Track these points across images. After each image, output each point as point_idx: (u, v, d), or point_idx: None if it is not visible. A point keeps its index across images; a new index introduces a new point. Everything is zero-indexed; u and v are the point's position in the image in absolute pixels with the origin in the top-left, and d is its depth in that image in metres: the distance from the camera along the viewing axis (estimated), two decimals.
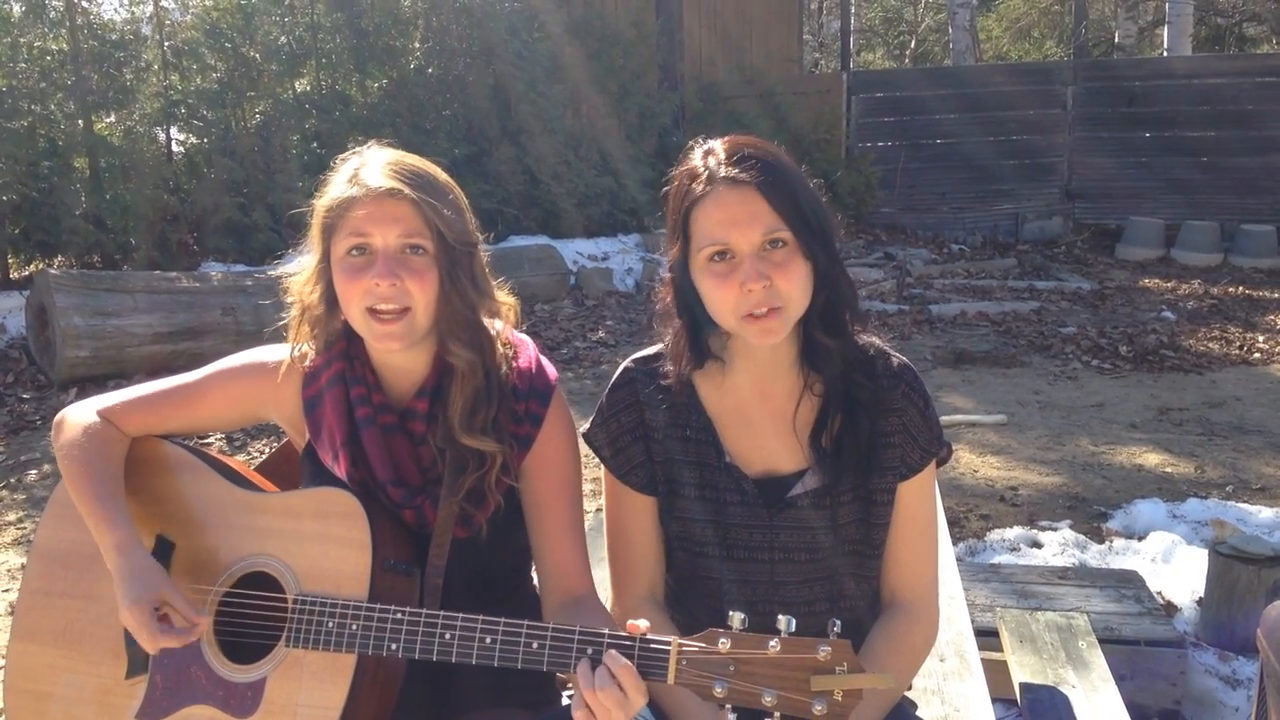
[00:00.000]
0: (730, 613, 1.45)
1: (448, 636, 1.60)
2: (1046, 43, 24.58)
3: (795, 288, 1.67)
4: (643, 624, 1.50)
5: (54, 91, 9.67)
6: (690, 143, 1.80)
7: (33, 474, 5.86)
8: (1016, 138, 14.68)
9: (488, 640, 1.58)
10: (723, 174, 1.69)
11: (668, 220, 1.78)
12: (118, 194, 9.40)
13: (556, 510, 1.88)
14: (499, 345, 1.86)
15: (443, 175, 1.83)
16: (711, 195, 1.69)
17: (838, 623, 1.41)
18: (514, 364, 1.88)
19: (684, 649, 1.46)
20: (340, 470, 1.84)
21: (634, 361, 1.91)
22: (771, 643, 1.41)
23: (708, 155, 1.73)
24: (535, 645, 1.55)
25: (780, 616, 1.43)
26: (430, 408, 1.84)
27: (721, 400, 1.85)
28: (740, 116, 12.68)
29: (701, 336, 1.79)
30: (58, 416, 1.95)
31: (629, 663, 1.48)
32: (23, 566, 4.44)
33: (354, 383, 1.85)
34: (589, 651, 1.51)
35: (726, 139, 1.75)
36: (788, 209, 1.67)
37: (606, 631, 1.52)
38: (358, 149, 1.84)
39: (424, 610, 1.63)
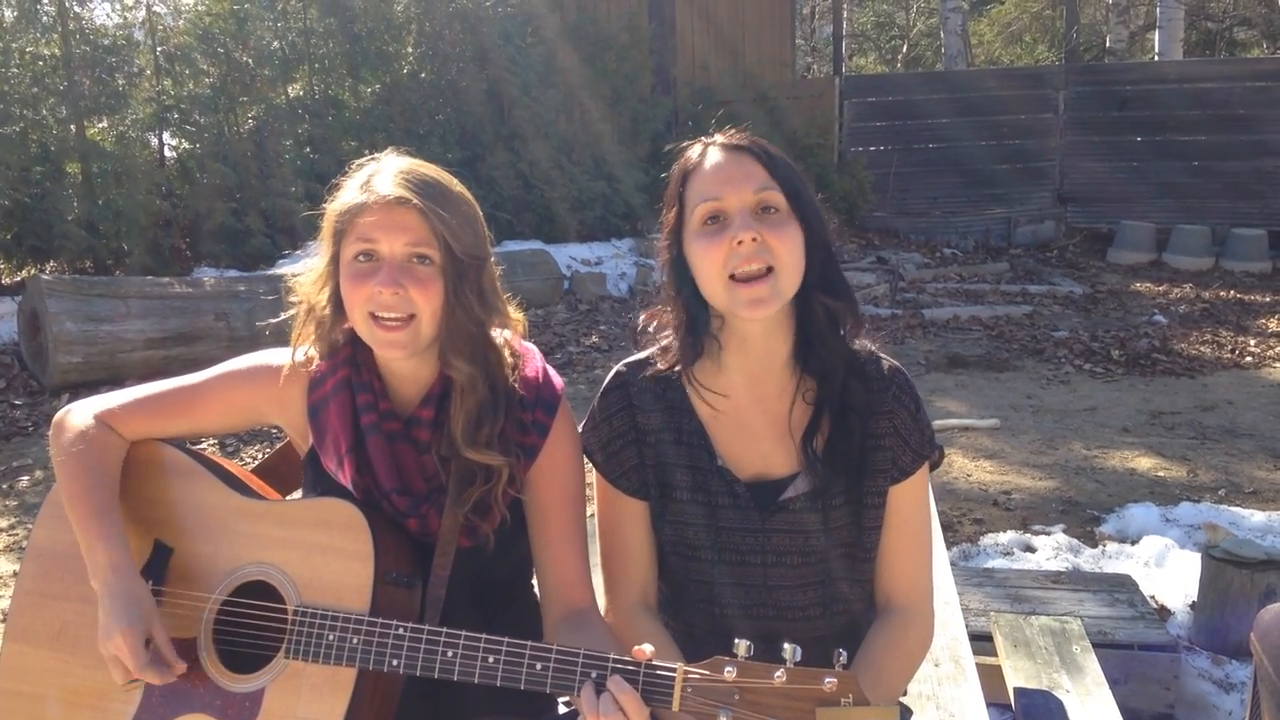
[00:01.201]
0: (735, 640, 1.44)
1: (450, 654, 1.59)
2: (1038, 47, 24.64)
3: (788, 249, 1.68)
4: (648, 649, 1.49)
5: (46, 97, 9.68)
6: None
7: (25, 480, 5.84)
8: (1008, 142, 14.73)
9: (490, 660, 1.57)
10: (720, 142, 1.76)
11: (666, 196, 1.81)
12: (110, 199, 9.39)
13: (560, 521, 1.87)
14: (506, 355, 1.86)
15: (457, 186, 1.82)
16: (707, 160, 1.75)
17: (843, 653, 1.41)
18: (520, 373, 1.88)
19: (689, 676, 1.45)
20: (344, 477, 1.84)
21: (626, 365, 1.91)
22: (777, 673, 1.40)
23: (709, 143, 1.79)
24: (539, 667, 1.54)
25: (785, 645, 1.42)
26: (436, 416, 1.83)
27: (713, 403, 1.84)
28: (734, 121, 12.61)
29: (697, 324, 1.79)
30: (57, 417, 1.93)
31: (633, 690, 1.47)
32: (14, 573, 4.43)
33: (360, 389, 1.84)
34: (593, 675, 1.50)
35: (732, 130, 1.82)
36: (781, 174, 1.71)
37: (611, 655, 1.51)
38: (375, 155, 1.84)
39: (426, 627, 1.63)
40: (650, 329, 1.88)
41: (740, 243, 1.65)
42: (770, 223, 1.68)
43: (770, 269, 1.67)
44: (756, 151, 1.73)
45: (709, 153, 1.76)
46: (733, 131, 1.79)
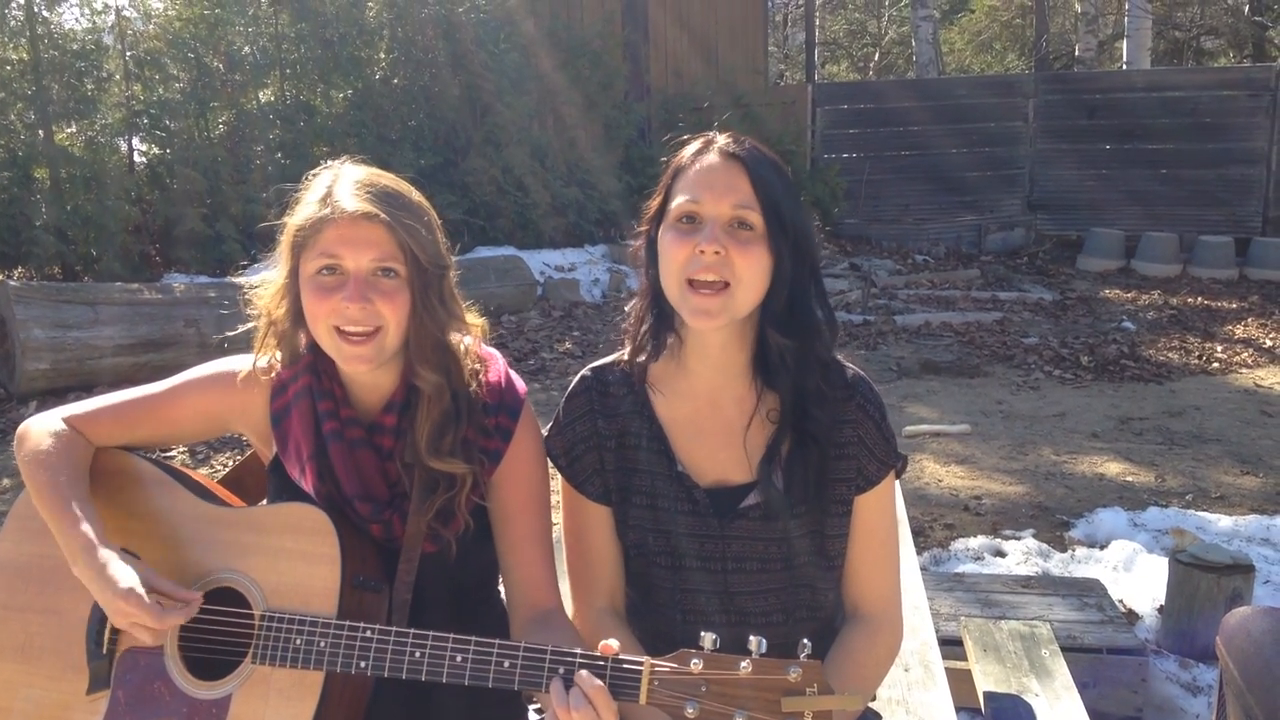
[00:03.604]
0: (702, 632, 1.45)
1: (418, 655, 1.59)
2: (1008, 55, 24.87)
3: (750, 270, 1.67)
4: (614, 644, 1.50)
5: (14, 102, 9.58)
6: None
7: None
8: (979, 149, 14.83)
9: (458, 659, 1.57)
10: (719, 146, 1.74)
11: (660, 181, 1.82)
12: (79, 205, 9.31)
13: (524, 524, 1.87)
14: (467, 361, 1.86)
15: (416, 194, 1.82)
16: (700, 162, 1.74)
17: (808, 644, 1.42)
18: (483, 378, 1.88)
19: (656, 669, 1.46)
20: (307, 484, 1.83)
21: (591, 370, 1.92)
22: (743, 664, 1.42)
23: (710, 142, 1.78)
24: (507, 664, 1.55)
25: (751, 637, 1.43)
26: (399, 423, 1.83)
27: (674, 409, 1.85)
28: (707, 128, 12.70)
29: (664, 310, 1.79)
30: (21, 426, 1.91)
31: (601, 684, 1.47)
32: None
33: (321, 397, 1.84)
34: (561, 671, 1.51)
35: (735, 134, 1.80)
36: (766, 196, 1.69)
37: (579, 651, 1.52)
38: (330, 163, 1.83)
39: (394, 628, 1.62)
40: (629, 322, 1.88)
41: (703, 251, 1.66)
42: (740, 239, 1.67)
43: (727, 284, 1.67)
44: (751, 165, 1.70)
45: (706, 153, 1.75)
46: (738, 135, 1.77)
